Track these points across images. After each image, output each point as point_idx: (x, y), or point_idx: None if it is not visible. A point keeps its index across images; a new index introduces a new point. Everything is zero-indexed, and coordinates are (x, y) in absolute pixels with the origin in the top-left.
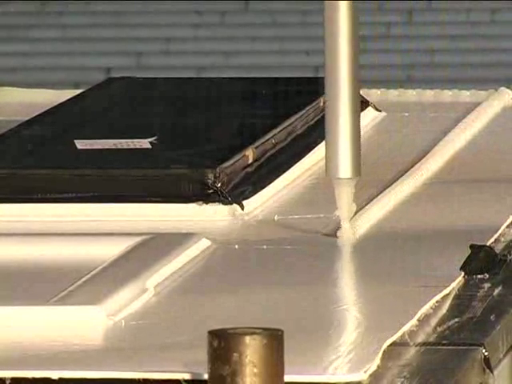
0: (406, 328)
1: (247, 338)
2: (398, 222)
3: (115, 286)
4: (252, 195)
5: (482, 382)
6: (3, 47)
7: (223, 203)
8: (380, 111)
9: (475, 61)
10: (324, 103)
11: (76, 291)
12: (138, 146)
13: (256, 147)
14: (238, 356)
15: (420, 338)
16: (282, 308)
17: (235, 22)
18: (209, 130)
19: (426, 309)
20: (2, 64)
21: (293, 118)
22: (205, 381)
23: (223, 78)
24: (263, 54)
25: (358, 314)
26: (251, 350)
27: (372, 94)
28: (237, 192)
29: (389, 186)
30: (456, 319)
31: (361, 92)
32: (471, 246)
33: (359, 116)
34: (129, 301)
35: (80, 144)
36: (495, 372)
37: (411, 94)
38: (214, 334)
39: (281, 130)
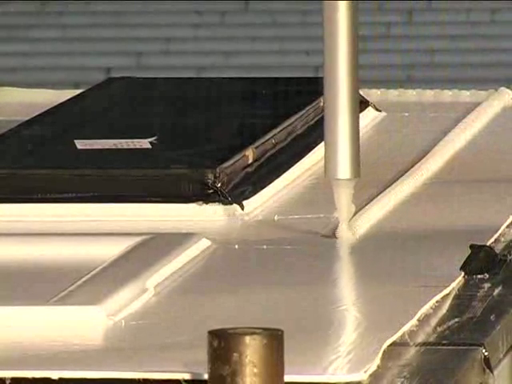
0: (406, 328)
1: (247, 338)
2: (398, 222)
3: (115, 286)
4: (252, 195)
5: (481, 382)
6: (3, 47)
7: (223, 203)
8: (380, 111)
9: (475, 61)
10: (324, 103)
11: (76, 291)
12: (137, 146)
13: (256, 147)
14: (237, 356)
15: (420, 338)
16: (282, 308)
17: (235, 22)
18: (209, 130)
19: (426, 309)
20: (2, 64)
21: (293, 118)
22: (205, 381)
23: (223, 78)
24: (263, 54)
25: (358, 314)
26: (251, 350)
27: (372, 94)
28: (237, 192)
29: (389, 186)
30: (456, 319)
31: (361, 92)
32: (471, 246)
33: (358, 116)
34: (129, 301)
35: (80, 144)
36: (495, 372)
37: (411, 94)
38: (214, 334)
39: (281, 130)
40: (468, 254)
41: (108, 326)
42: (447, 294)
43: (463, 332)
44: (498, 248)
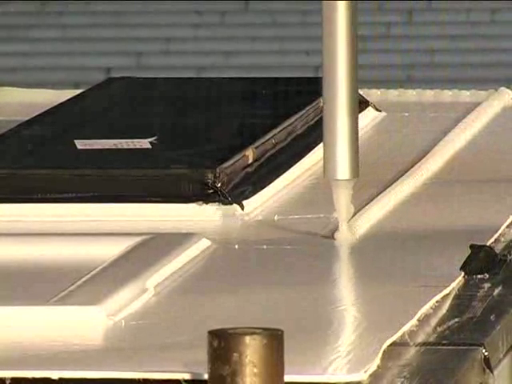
0: (406, 328)
1: (247, 338)
2: (398, 222)
3: (115, 286)
4: (252, 195)
5: (481, 382)
6: (3, 47)
7: (223, 203)
8: (380, 111)
9: (475, 61)
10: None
11: (76, 291)
12: (137, 146)
13: (256, 147)
14: (237, 356)
15: (420, 338)
16: (282, 308)
17: (235, 21)
18: (209, 130)
19: (425, 309)
20: (2, 64)
21: (293, 118)
22: (205, 381)
23: (223, 78)
24: (263, 54)
25: (358, 314)
26: (251, 350)
27: (372, 94)
28: (237, 192)
29: (389, 186)
30: (456, 319)
31: (361, 92)
32: (471, 246)
33: (357, 117)
34: (129, 301)
35: (80, 144)
36: (495, 372)
37: (411, 94)
38: (214, 334)
39: (281, 130)
40: (468, 254)
41: (108, 326)
42: (447, 294)
43: (463, 332)
44: (498, 248)
